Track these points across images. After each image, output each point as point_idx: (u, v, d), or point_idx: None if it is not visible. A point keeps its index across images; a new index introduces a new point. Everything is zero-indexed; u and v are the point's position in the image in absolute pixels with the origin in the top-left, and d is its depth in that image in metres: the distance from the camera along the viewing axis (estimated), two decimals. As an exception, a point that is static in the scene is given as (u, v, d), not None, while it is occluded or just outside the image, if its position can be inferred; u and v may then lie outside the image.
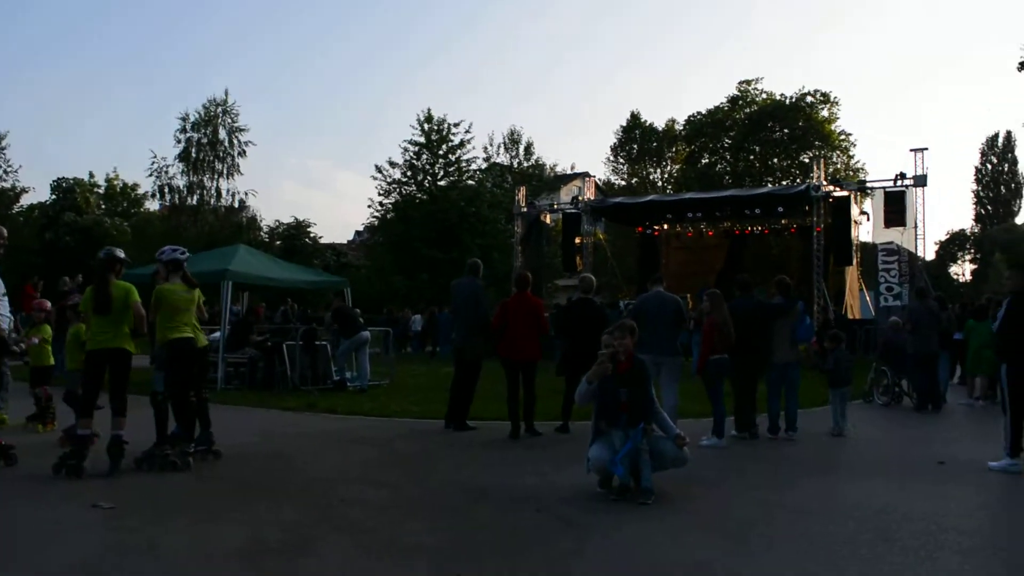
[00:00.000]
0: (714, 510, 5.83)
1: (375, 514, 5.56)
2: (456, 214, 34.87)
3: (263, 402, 11.93)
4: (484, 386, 9.86)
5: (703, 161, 47.63)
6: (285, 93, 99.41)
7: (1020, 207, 68.79)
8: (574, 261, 29.58)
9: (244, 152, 40.99)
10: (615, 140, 50.66)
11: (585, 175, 54.18)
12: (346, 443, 8.71)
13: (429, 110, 36.59)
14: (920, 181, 24.10)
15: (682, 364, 8.90)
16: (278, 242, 40.64)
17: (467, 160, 37.56)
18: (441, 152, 36.86)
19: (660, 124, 49.79)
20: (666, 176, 49.00)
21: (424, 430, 9.65)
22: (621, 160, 50.57)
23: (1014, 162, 68.86)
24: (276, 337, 14.79)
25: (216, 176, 40.43)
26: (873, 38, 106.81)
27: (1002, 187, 68.77)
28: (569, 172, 51.65)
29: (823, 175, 25.47)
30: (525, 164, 45.19)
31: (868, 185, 26.10)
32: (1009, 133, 68.63)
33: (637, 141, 49.92)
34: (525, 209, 30.95)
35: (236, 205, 41.50)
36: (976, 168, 69.79)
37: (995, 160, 69.28)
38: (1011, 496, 6.67)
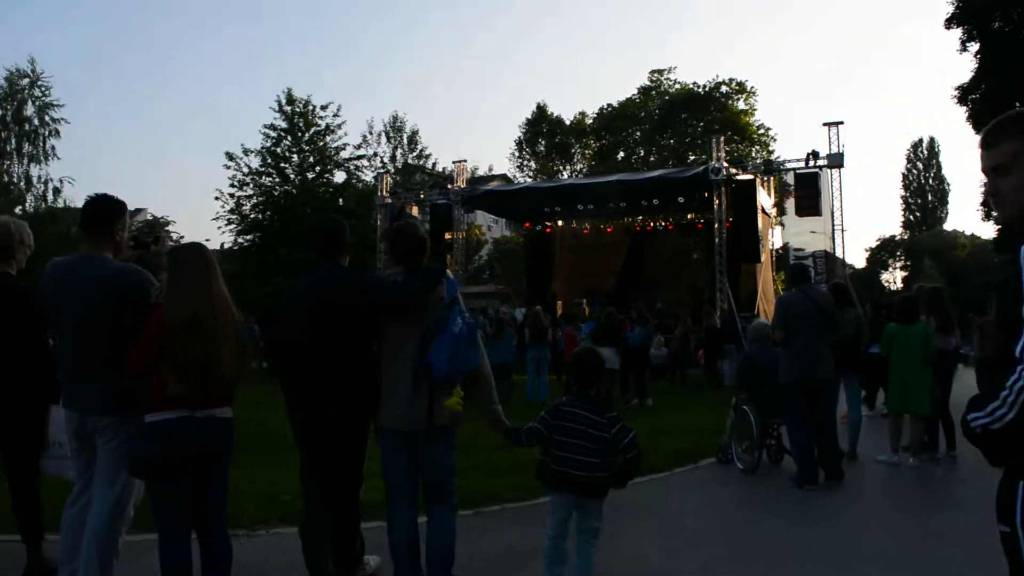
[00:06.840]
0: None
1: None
2: (315, 207, 29.46)
3: None
4: None
5: (618, 156, 43.36)
6: (107, 65, 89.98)
7: (947, 213, 66.82)
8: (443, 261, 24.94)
9: (57, 132, 33.65)
10: (520, 134, 46.22)
11: (503, 177, 49.65)
12: None
13: (290, 90, 31.23)
14: (835, 160, 19.99)
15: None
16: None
17: (335, 148, 32.11)
18: (306, 139, 31.56)
19: (568, 117, 45.69)
20: (575, 173, 44.61)
21: None
22: (526, 156, 46.03)
23: (939, 168, 66.99)
24: None
25: (24, 160, 33.25)
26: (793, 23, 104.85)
27: (928, 194, 66.96)
28: (488, 174, 46.91)
29: (723, 156, 21.04)
30: (410, 157, 39.99)
31: (775, 166, 21.95)
32: (932, 139, 67.03)
33: (544, 135, 45.54)
34: (390, 200, 26.44)
35: (50, 195, 33.82)
36: (903, 174, 67.74)
37: (921, 167, 67.33)
38: None
